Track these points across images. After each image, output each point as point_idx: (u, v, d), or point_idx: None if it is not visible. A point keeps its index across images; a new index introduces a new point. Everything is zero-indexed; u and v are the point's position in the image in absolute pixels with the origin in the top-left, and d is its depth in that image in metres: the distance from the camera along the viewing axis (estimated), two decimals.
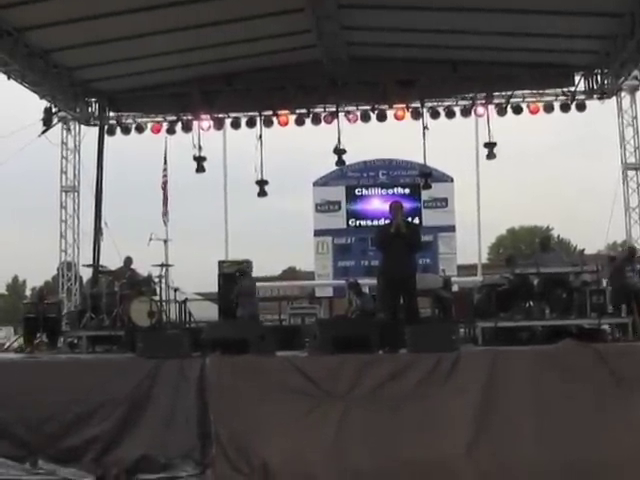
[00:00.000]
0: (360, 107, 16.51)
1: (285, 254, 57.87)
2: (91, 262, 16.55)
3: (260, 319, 14.12)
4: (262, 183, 17.05)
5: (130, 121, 17.06)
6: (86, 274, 18.17)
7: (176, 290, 13.47)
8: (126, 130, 17.02)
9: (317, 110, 16.55)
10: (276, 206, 51.93)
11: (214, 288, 15.39)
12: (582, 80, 15.95)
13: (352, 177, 22.28)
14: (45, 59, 14.28)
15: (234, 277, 14.40)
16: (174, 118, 16.72)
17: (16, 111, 20.48)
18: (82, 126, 17.90)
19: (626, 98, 17.36)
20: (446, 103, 16.42)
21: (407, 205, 21.03)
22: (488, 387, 7.46)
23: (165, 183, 19.18)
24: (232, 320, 13.31)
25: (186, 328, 12.46)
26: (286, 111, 16.54)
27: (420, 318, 10.30)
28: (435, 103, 16.39)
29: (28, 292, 46.56)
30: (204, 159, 16.87)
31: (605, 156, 47.67)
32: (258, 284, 14.94)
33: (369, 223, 21.69)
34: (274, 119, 16.58)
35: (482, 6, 13.11)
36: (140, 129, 17.02)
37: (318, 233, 22.27)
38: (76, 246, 18.40)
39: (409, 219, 19.71)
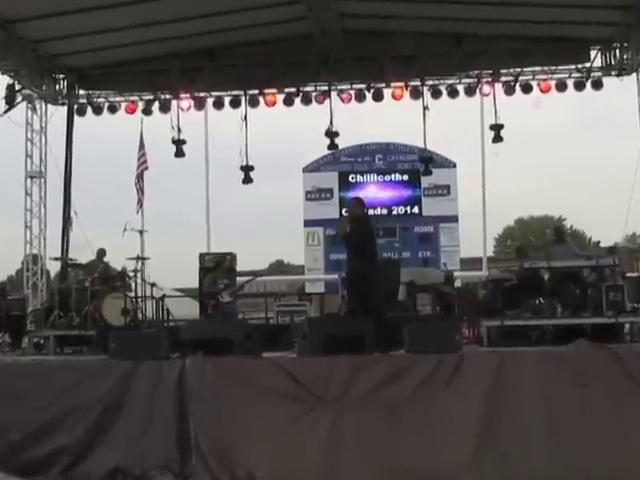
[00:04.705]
0: (355, 86, 16.47)
1: (272, 246, 57.59)
2: (59, 255, 16.52)
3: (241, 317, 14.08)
4: (247, 169, 17.02)
5: (102, 100, 16.99)
6: (54, 268, 18.15)
7: (153, 285, 13.44)
8: (98, 110, 16.95)
9: (308, 89, 16.49)
10: (262, 194, 51.83)
11: (194, 283, 15.38)
12: (599, 55, 15.91)
13: (346, 162, 22.25)
14: (8, 30, 14.13)
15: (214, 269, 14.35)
16: (151, 97, 16.63)
17: None
18: (49, 105, 17.76)
19: None
20: (449, 81, 16.37)
21: (406, 193, 21.28)
22: (494, 392, 7.47)
23: (142, 172, 19.01)
24: (214, 318, 13.28)
25: (164, 327, 12.47)
26: (274, 90, 16.50)
27: (379, 314, 10.01)
28: (436, 81, 16.35)
29: None
30: (184, 142, 16.78)
31: (623, 139, 47.76)
32: (242, 279, 14.89)
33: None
34: (260, 98, 16.53)
35: None
36: (113, 109, 16.95)
37: (308, 223, 22.25)
38: (42, 237, 18.28)
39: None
